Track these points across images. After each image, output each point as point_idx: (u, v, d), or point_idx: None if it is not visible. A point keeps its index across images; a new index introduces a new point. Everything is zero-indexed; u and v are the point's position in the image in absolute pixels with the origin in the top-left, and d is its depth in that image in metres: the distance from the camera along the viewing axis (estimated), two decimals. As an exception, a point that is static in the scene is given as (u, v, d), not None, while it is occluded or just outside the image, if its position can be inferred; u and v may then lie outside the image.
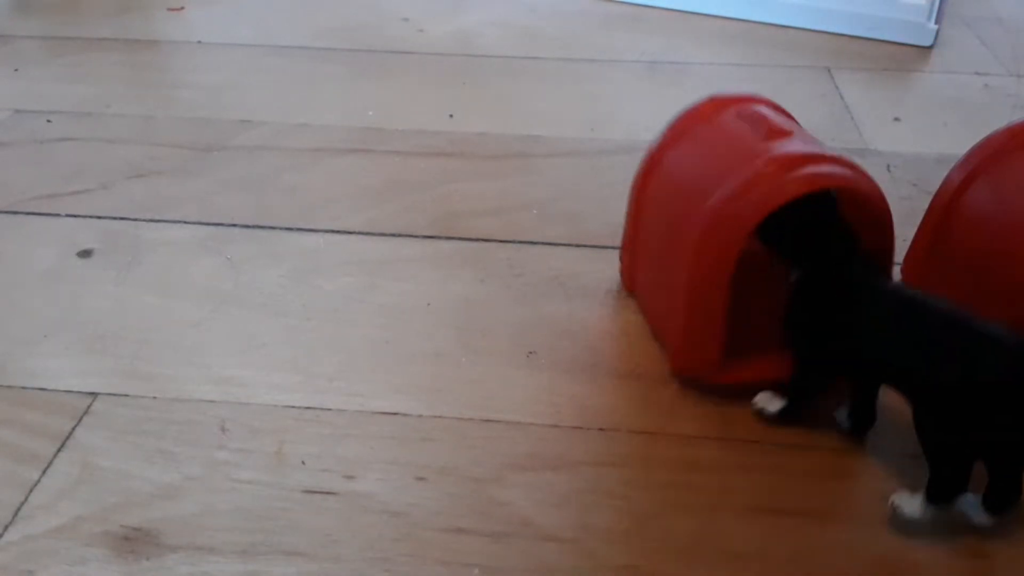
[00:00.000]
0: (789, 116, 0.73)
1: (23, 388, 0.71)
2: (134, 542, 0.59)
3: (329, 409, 0.69)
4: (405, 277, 0.83)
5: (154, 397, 0.70)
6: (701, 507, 0.62)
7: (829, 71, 1.20)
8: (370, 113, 1.10)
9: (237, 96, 1.14)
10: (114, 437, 0.66)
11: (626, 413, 0.69)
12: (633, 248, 0.77)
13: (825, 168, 0.63)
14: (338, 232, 0.89)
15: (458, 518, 0.61)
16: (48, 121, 1.08)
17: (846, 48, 1.26)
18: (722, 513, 0.61)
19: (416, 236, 0.88)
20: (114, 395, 0.70)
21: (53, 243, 0.87)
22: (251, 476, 0.64)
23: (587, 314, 0.78)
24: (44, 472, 0.64)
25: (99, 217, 0.91)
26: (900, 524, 0.59)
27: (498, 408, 0.69)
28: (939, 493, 0.57)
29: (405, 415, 0.69)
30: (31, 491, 0.62)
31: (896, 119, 1.09)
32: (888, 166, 0.99)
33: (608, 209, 0.92)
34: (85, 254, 0.86)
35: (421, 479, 0.63)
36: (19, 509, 0.61)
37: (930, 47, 1.27)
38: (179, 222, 0.90)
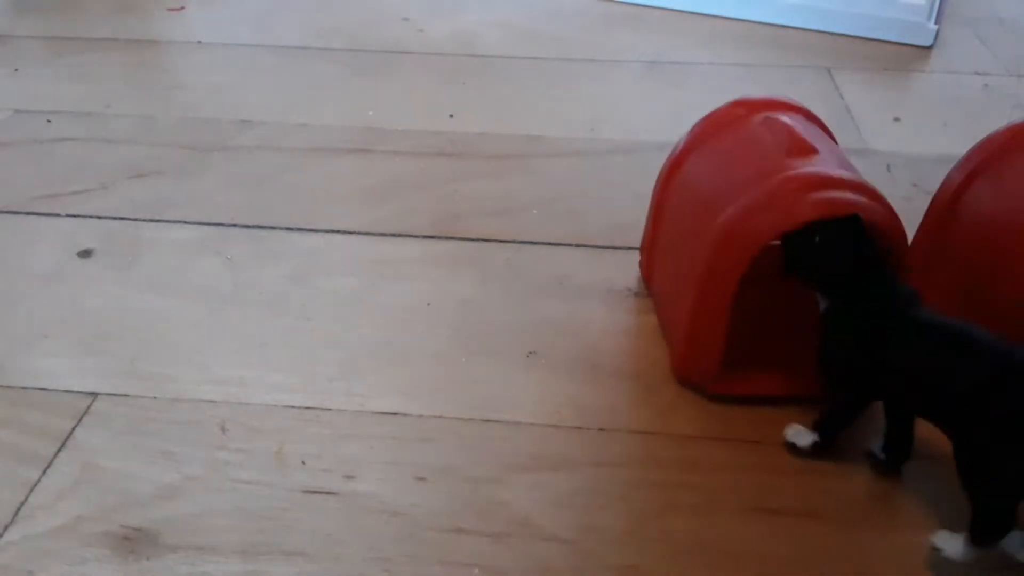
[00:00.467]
0: (821, 124, 0.71)
1: (23, 388, 0.71)
2: (134, 542, 0.59)
3: (329, 409, 0.69)
4: (405, 277, 0.83)
5: (154, 397, 0.70)
6: (701, 507, 0.62)
7: (829, 71, 1.20)
8: (370, 113, 1.10)
9: (237, 96, 1.14)
10: (114, 437, 0.66)
11: (626, 413, 0.69)
12: (652, 249, 0.77)
13: (843, 195, 0.61)
14: (338, 232, 0.89)
15: (458, 518, 0.61)
16: (48, 121, 1.08)
17: (846, 48, 1.26)
18: (722, 513, 0.61)
19: (416, 236, 0.88)
20: (114, 395, 0.70)
21: (53, 243, 0.87)
22: (251, 476, 0.64)
23: (587, 314, 0.78)
24: (44, 472, 0.64)
25: (99, 217, 0.91)
26: (939, 565, 0.56)
27: (498, 408, 0.69)
28: (984, 535, 0.54)
29: (405, 415, 0.68)
30: (31, 491, 0.62)
31: (896, 119, 1.09)
32: (888, 166, 0.99)
33: (608, 209, 0.92)
34: (85, 254, 0.86)
35: (421, 479, 0.63)
36: (19, 509, 0.61)
37: (930, 47, 1.27)
38: (179, 222, 0.90)
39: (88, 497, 0.62)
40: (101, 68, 1.22)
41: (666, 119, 1.08)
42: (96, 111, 1.11)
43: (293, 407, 0.69)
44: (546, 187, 0.96)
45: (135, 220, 0.90)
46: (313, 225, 0.90)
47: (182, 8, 1.40)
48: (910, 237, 0.76)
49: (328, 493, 0.62)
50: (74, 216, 0.91)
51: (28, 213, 0.92)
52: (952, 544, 0.55)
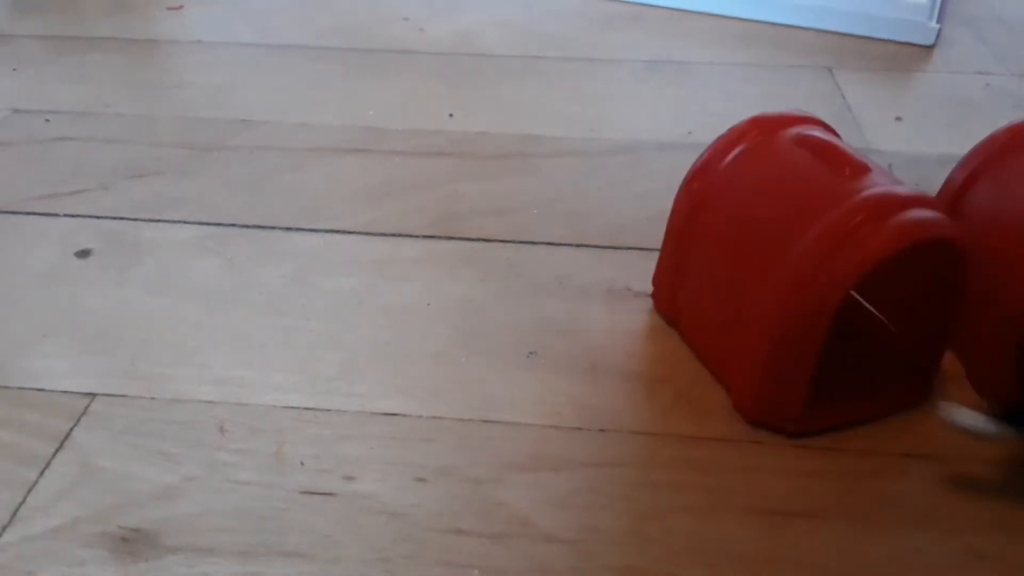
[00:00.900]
0: (835, 133, 0.69)
1: (21, 388, 0.71)
2: (133, 543, 0.59)
3: (329, 409, 0.69)
4: (405, 277, 0.83)
5: (153, 397, 0.70)
6: (701, 507, 0.61)
7: (830, 71, 1.20)
8: (370, 113, 1.10)
9: (237, 96, 1.14)
10: (113, 438, 0.66)
11: (626, 413, 0.68)
12: (676, 282, 0.73)
13: (923, 214, 0.58)
14: (338, 232, 0.89)
15: (458, 519, 0.61)
16: (47, 120, 1.08)
17: (847, 47, 1.26)
18: (722, 513, 0.61)
19: (416, 236, 0.88)
20: (113, 395, 0.70)
21: (52, 243, 0.87)
22: (250, 477, 0.63)
23: (587, 314, 0.78)
24: (42, 473, 0.63)
25: (98, 217, 0.91)
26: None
27: (498, 408, 0.69)
28: None
29: (405, 415, 0.68)
30: (29, 492, 0.62)
31: (898, 119, 1.09)
32: (890, 166, 0.99)
33: (609, 209, 0.91)
34: (84, 254, 0.85)
35: (421, 480, 0.63)
36: (17, 510, 0.61)
37: (931, 46, 1.27)
38: (179, 222, 0.90)
39: (86, 498, 0.62)
40: (100, 68, 1.22)
41: (667, 119, 1.08)
42: (95, 111, 1.11)
43: (293, 407, 0.69)
44: (546, 187, 0.96)
45: (134, 220, 0.90)
46: (313, 225, 0.89)
47: (181, 7, 1.40)
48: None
49: (327, 494, 0.62)
50: (72, 216, 0.91)
51: (26, 213, 0.91)
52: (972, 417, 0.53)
